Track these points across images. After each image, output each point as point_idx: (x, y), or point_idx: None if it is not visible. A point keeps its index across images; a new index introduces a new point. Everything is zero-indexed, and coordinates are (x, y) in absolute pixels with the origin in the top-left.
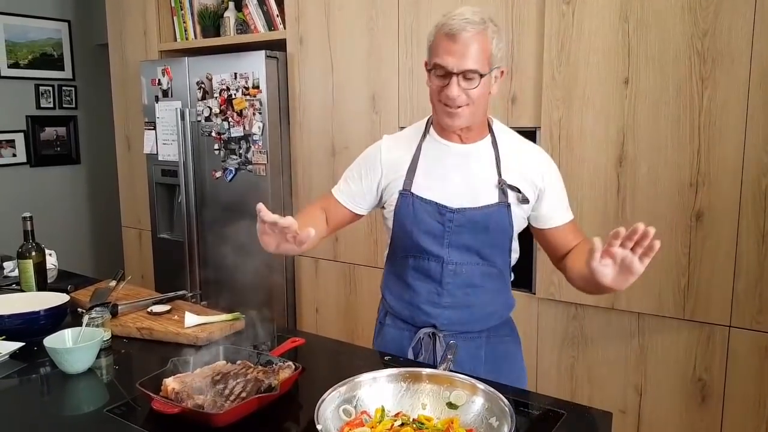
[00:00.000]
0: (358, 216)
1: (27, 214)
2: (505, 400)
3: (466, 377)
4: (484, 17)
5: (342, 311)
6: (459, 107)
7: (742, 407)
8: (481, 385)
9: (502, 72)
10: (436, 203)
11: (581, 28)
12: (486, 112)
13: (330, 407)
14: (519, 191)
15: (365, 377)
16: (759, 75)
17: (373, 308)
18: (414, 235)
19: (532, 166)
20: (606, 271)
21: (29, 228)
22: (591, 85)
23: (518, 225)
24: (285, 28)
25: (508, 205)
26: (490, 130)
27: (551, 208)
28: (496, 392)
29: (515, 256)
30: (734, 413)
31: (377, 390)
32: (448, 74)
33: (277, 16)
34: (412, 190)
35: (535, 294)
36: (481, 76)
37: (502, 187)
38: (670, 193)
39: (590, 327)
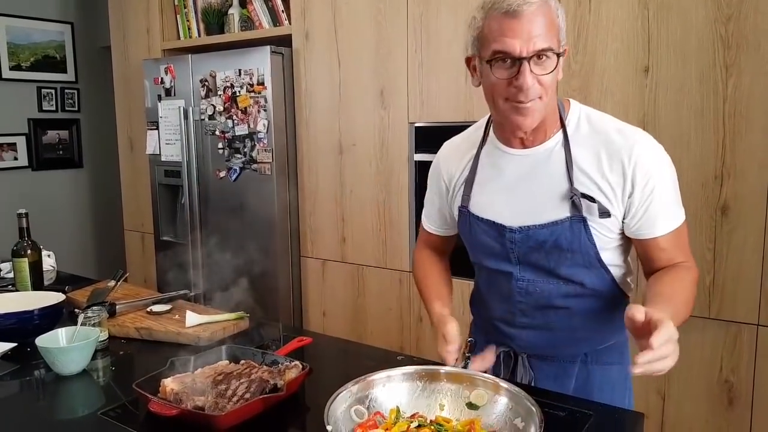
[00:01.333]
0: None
1: (22, 211)
2: (531, 400)
3: (489, 376)
4: None
5: (350, 314)
6: (531, 101)
7: None
8: (504, 384)
9: (565, 50)
10: (495, 222)
11: (599, 15)
12: (556, 102)
13: (341, 407)
14: (594, 201)
15: (379, 375)
16: None
17: (382, 311)
18: (478, 255)
19: (618, 165)
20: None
21: (25, 225)
22: (609, 75)
23: (604, 240)
24: (290, 23)
25: (584, 219)
26: (562, 124)
27: (643, 218)
28: (521, 391)
29: (619, 268)
30: (763, 417)
31: (391, 389)
32: (515, 61)
33: (283, 11)
34: (469, 208)
35: None
36: (558, 55)
37: (573, 198)
38: (693, 187)
39: None
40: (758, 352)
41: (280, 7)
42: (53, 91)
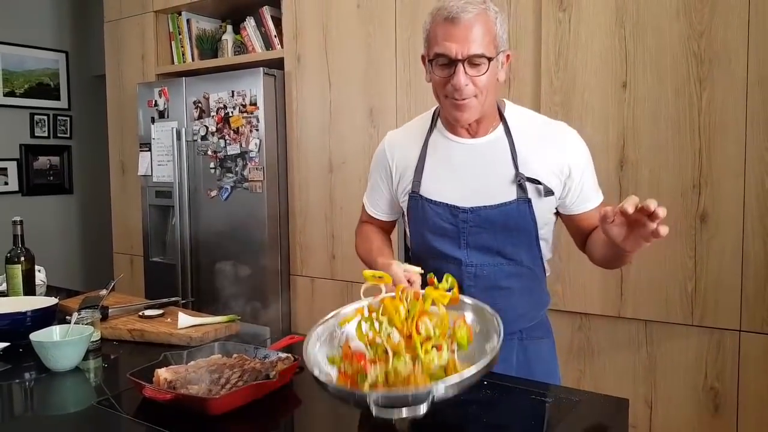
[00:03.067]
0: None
1: (17, 218)
2: (490, 309)
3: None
4: None
5: None
6: (467, 98)
7: (757, 415)
8: (468, 300)
9: (508, 56)
10: (447, 204)
11: (578, 34)
12: (495, 101)
13: (315, 349)
14: (539, 183)
15: (348, 309)
16: (757, 74)
17: None
18: (428, 239)
19: (555, 151)
20: (619, 231)
21: (19, 233)
22: (589, 90)
23: (544, 218)
24: (282, 47)
25: (529, 201)
26: (502, 118)
27: (579, 194)
28: (481, 303)
29: (548, 249)
30: (749, 422)
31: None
32: (452, 62)
33: (275, 36)
34: (420, 192)
35: None
36: (489, 60)
37: (520, 181)
38: (673, 196)
39: (596, 337)
40: (741, 357)
41: (273, 31)
42: (46, 117)
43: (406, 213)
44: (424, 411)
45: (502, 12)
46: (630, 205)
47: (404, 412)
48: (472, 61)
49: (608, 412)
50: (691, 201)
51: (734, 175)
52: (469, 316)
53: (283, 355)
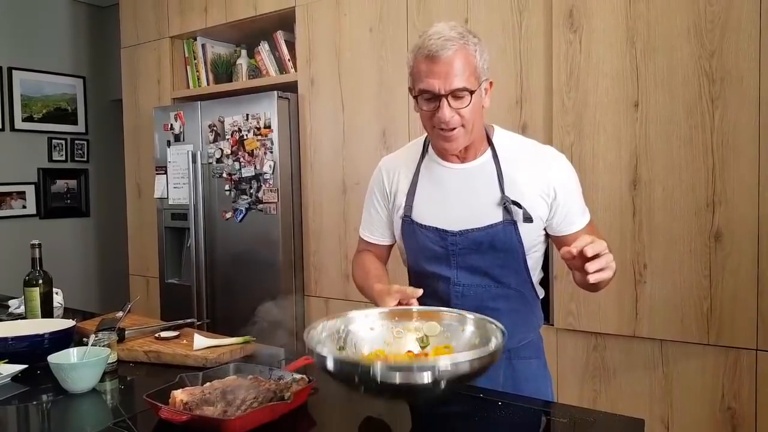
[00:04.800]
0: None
1: (35, 242)
2: (496, 323)
3: (455, 311)
4: (462, 31)
5: None
6: (453, 129)
7: None
8: (470, 315)
9: (491, 83)
10: (437, 228)
11: (589, 55)
12: (482, 127)
13: (320, 337)
14: (520, 207)
15: (356, 312)
16: None
17: None
18: (420, 260)
19: (540, 174)
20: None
21: (37, 256)
22: (601, 110)
23: (531, 241)
24: (296, 71)
25: (514, 223)
26: (490, 143)
27: (565, 216)
28: (485, 317)
29: (536, 273)
30: None
31: (367, 325)
32: (436, 97)
33: (289, 60)
34: (412, 217)
35: (553, 325)
36: (471, 93)
37: (506, 204)
38: (686, 215)
39: (612, 357)
40: (758, 377)
41: (287, 56)
42: (63, 141)
43: (400, 234)
44: (428, 381)
45: (481, 42)
46: (573, 248)
47: (408, 379)
48: (455, 94)
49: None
50: (705, 220)
51: (748, 193)
52: (469, 329)
53: (298, 376)
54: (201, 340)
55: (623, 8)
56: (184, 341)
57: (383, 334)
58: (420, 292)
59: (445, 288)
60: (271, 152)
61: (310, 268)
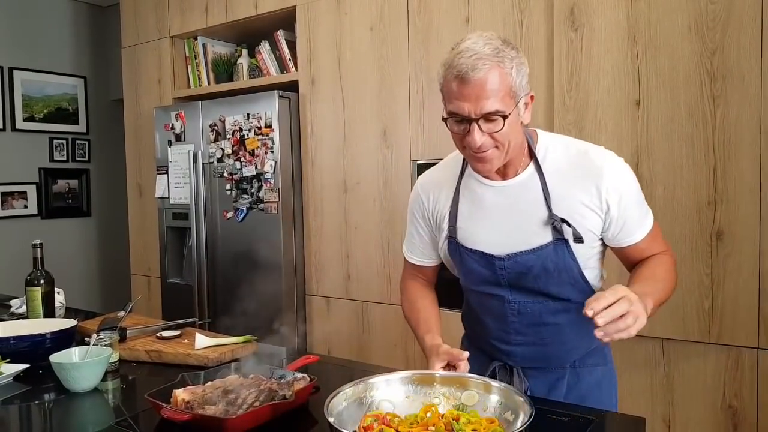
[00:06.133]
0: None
1: (37, 242)
2: (523, 394)
3: (479, 377)
4: (497, 45)
5: (354, 350)
6: (487, 151)
7: None
8: (495, 383)
9: (532, 97)
10: (483, 253)
11: (590, 54)
12: (522, 142)
13: (340, 406)
14: (570, 225)
15: (377, 378)
16: None
17: (387, 346)
18: (469, 280)
19: (590, 187)
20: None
21: (39, 255)
22: (603, 109)
23: (586, 255)
24: (297, 70)
25: (566, 241)
26: (533, 155)
27: (621, 228)
28: (511, 387)
29: (596, 279)
30: None
31: (388, 391)
32: (466, 120)
33: (290, 59)
34: (457, 239)
35: None
36: (505, 117)
37: (554, 223)
38: (688, 213)
39: (614, 356)
40: (760, 375)
41: (287, 55)
42: (65, 141)
43: (447, 253)
44: None
45: (519, 56)
46: (588, 310)
47: None
48: (487, 117)
49: (625, 431)
50: (707, 218)
51: (750, 192)
52: (494, 398)
53: (299, 375)
54: (202, 340)
55: (624, 6)
56: (186, 341)
57: (404, 399)
58: (466, 354)
59: (499, 306)
60: (272, 152)
61: (311, 268)
